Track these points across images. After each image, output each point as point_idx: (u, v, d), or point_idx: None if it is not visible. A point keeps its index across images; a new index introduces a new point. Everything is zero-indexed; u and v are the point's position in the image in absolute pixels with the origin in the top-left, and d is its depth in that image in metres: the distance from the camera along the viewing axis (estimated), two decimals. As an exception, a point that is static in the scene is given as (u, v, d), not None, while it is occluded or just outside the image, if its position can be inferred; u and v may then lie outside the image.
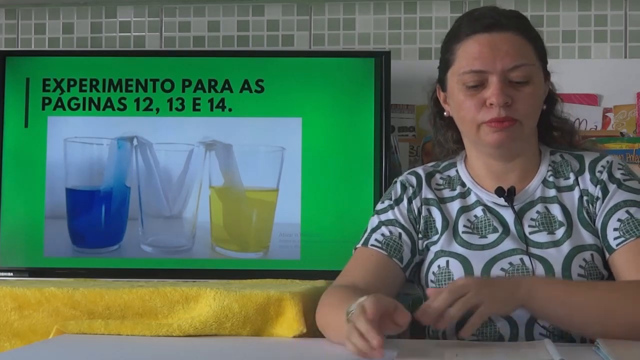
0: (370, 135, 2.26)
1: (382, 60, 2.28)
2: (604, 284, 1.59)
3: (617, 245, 1.62)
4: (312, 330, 1.67)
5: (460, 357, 1.41)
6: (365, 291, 1.54)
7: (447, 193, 1.75)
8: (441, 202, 1.73)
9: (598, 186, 1.67)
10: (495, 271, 1.63)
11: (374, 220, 1.76)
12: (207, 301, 1.70)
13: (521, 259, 1.64)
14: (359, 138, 2.27)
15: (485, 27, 1.63)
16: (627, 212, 1.63)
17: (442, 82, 1.73)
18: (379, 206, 1.78)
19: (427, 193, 1.74)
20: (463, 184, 1.74)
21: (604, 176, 1.67)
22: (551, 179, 1.70)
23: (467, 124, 1.67)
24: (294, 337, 1.66)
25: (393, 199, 1.76)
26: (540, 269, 1.62)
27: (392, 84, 2.27)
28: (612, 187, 1.66)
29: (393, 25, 2.53)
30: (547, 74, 1.71)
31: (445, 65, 1.70)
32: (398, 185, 1.78)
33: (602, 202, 1.66)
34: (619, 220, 1.63)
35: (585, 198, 1.67)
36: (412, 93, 2.42)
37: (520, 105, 1.62)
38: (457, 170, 1.77)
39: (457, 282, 1.49)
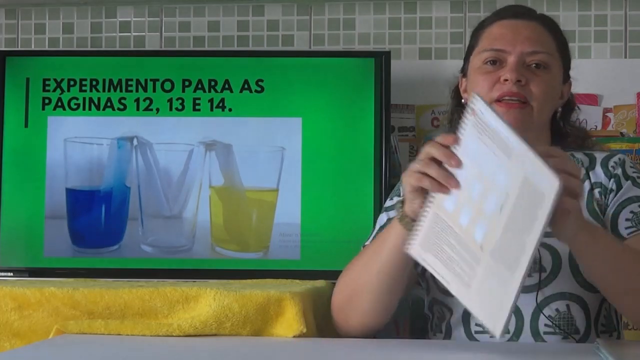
0: (370, 135, 2.26)
1: (382, 60, 2.27)
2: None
3: (628, 234, 1.64)
4: (312, 330, 1.68)
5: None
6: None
7: None
8: None
9: (612, 179, 1.68)
10: None
11: (382, 218, 1.77)
12: (207, 301, 1.69)
13: None
14: (359, 138, 2.27)
15: (511, 14, 1.69)
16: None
17: (464, 69, 1.77)
18: (388, 203, 1.79)
19: None
20: None
21: (618, 171, 1.69)
22: None
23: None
24: (294, 337, 1.65)
25: (402, 194, 1.72)
26: (547, 257, 1.63)
27: (392, 84, 2.26)
28: (626, 183, 1.68)
29: (393, 25, 2.52)
30: (566, 76, 1.73)
31: (469, 51, 1.74)
32: None
33: (616, 194, 1.67)
34: (631, 212, 1.65)
35: (597, 190, 1.68)
36: (412, 93, 2.45)
37: (534, 88, 1.64)
38: None
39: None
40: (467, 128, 1.38)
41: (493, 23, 1.71)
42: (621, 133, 2.39)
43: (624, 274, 1.50)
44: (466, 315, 1.66)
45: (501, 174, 1.35)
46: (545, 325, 1.61)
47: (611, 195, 1.67)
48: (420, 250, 1.42)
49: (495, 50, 1.66)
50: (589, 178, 1.70)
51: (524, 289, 1.55)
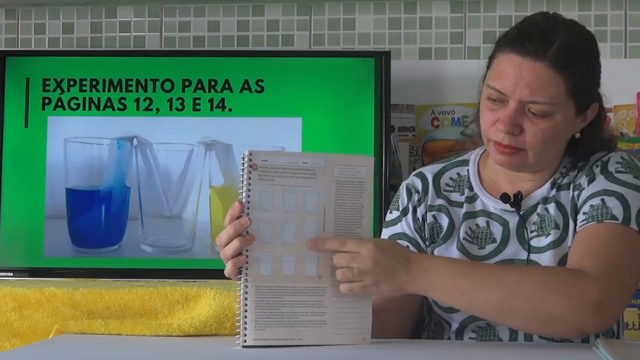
0: (370, 135, 2.27)
1: (382, 60, 2.28)
2: (513, 272, 1.49)
3: (578, 227, 1.57)
4: None
5: None
6: (378, 307, 1.55)
7: (455, 197, 1.71)
8: (450, 205, 1.70)
9: (587, 177, 1.62)
10: None
11: (384, 234, 1.75)
12: (207, 301, 1.70)
13: None
14: (359, 138, 2.27)
15: (521, 50, 1.56)
16: (602, 200, 1.57)
17: (485, 77, 1.66)
18: (388, 217, 1.76)
19: (433, 199, 1.71)
20: (471, 188, 1.70)
21: (597, 169, 1.62)
22: (559, 180, 1.66)
23: (482, 132, 1.64)
24: None
25: (400, 208, 1.74)
26: None
27: (392, 84, 2.27)
28: (599, 177, 1.61)
29: (393, 25, 2.53)
30: (583, 106, 1.61)
31: (488, 65, 1.65)
32: (404, 191, 1.75)
33: (586, 189, 1.60)
34: (591, 205, 1.57)
35: (576, 192, 1.62)
36: (412, 93, 2.44)
37: (529, 138, 1.57)
38: (467, 170, 1.73)
39: (364, 246, 1.45)
40: (253, 183, 1.41)
41: (505, 52, 1.58)
42: (621, 133, 2.39)
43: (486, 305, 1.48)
44: (460, 329, 1.66)
45: (310, 197, 1.44)
46: (540, 337, 1.59)
47: (583, 192, 1.60)
48: (254, 335, 1.42)
49: (497, 91, 1.57)
50: (574, 181, 1.64)
51: None
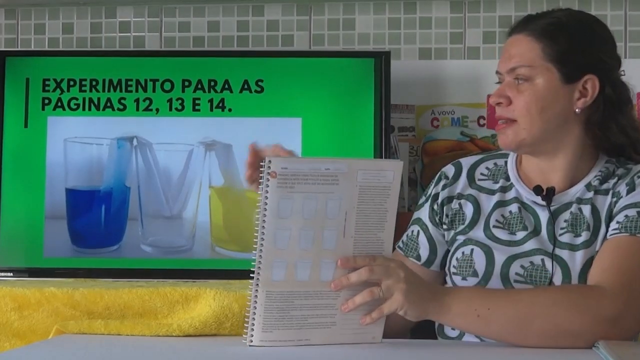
0: (370, 135, 2.27)
1: (381, 60, 2.28)
2: (529, 293, 1.55)
3: (609, 235, 1.60)
4: None
5: None
6: None
7: (488, 184, 1.74)
8: (479, 191, 1.73)
9: (628, 187, 1.64)
10: (515, 268, 1.64)
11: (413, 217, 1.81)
12: (207, 301, 1.70)
13: (542, 260, 1.63)
14: (359, 138, 2.27)
15: (511, 30, 1.68)
16: (638, 212, 1.59)
17: None
18: (419, 201, 1.82)
19: (464, 188, 1.75)
20: (507, 178, 1.73)
21: (639, 180, 1.64)
22: (595, 182, 1.67)
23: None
24: None
25: (429, 193, 1.79)
26: (558, 273, 1.62)
27: (392, 84, 2.27)
28: (638, 187, 1.63)
29: (393, 26, 2.52)
30: (575, 74, 1.65)
31: None
32: (437, 177, 1.80)
33: (624, 198, 1.63)
34: (626, 216, 1.60)
35: (614, 199, 1.64)
36: (412, 93, 2.44)
37: (517, 104, 1.64)
38: (506, 162, 1.76)
39: (392, 263, 1.48)
40: (272, 191, 1.39)
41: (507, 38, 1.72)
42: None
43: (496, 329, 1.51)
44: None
45: (332, 203, 1.42)
46: None
47: (621, 201, 1.63)
48: (261, 337, 1.43)
49: (497, 73, 1.69)
50: (613, 188, 1.66)
51: None
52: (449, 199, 1.74)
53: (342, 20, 2.54)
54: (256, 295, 1.41)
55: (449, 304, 1.49)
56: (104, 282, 2.07)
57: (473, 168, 1.77)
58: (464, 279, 1.68)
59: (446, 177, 1.77)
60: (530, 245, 1.65)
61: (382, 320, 1.50)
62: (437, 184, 1.77)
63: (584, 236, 1.63)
